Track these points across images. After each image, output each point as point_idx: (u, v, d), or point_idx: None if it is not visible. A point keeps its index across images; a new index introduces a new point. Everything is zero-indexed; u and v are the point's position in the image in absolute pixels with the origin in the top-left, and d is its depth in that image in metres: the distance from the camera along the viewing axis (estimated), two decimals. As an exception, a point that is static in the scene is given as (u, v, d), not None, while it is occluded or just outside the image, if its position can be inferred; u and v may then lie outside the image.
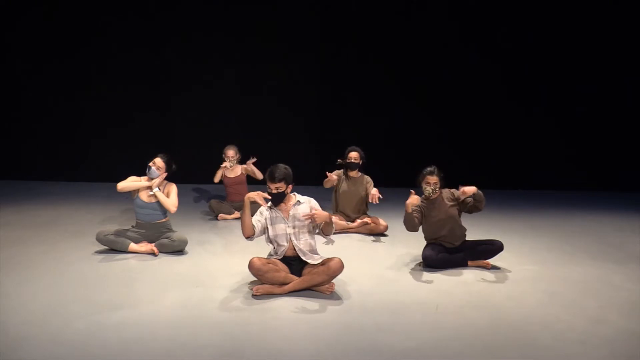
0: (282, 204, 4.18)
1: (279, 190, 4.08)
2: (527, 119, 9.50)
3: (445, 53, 9.31)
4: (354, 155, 6.12)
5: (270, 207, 4.18)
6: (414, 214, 4.77)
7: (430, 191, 4.77)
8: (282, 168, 4.11)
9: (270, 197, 4.12)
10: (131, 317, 3.57)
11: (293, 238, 4.14)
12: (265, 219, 4.18)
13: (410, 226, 4.82)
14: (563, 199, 8.62)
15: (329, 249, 4.35)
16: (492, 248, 4.85)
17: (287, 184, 4.11)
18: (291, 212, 4.14)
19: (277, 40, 9.10)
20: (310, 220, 4.11)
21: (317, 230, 4.23)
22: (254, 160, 6.70)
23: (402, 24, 9.25)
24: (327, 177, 6.14)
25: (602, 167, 9.52)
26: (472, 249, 4.86)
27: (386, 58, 9.29)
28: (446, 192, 4.88)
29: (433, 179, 4.77)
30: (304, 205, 4.17)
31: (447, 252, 4.82)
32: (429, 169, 4.83)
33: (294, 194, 4.23)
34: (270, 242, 4.23)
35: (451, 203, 4.83)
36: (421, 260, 4.89)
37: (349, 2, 9.14)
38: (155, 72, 9.02)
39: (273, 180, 4.07)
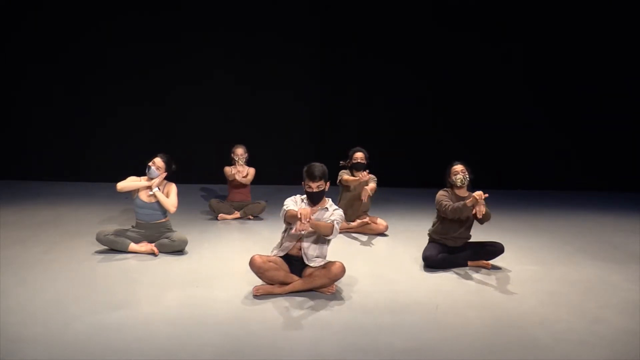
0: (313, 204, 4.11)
1: (320, 189, 4.04)
2: (527, 119, 9.51)
3: (446, 52, 9.32)
4: (359, 156, 6.10)
5: (303, 200, 4.12)
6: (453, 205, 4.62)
7: (462, 178, 4.72)
8: (319, 166, 4.05)
9: (310, 196, 4.05)
10: (131, 317, 3.56)
11: (304, 240, 4.06)
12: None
13: (456, 216, 4.64)
14: (563, 199, 8.63)
15: (329, 249, 4.34)
16: (493, 250, 4.86)
17: (326, 181, 4.08)
18: (315, 215, 4.04)
19: (279, 38, 9.10)
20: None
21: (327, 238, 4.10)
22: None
23: (402, 24, 9.25)
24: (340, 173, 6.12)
25: (602, 167, 9.54)
26: (472, 250, 4.86)
27: (387, 58, 9.30)
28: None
29: (460, 167, 4.75)
30: (329, 212, 4.10)
31: (447, 252, 4.82)
32: (452, 162, 4.82)
33: (328, 199, 4.19)
34: (284, 232, 4.16)
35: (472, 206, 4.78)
36: (421, 261, 4.89)
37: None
38: (156, 72, 9.02)
39: (314, 179, 4.00)
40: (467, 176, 4.76)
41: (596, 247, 5.72)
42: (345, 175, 6.09)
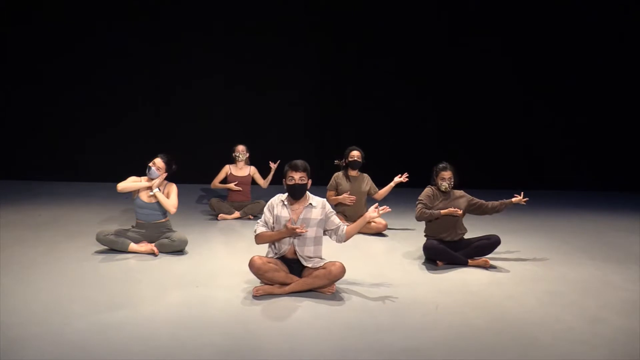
0: (295, 204, 4.07)
1: (303, 182, 4.00)
2: (527, 119, 9.52)
3: (445, 52, 9.32)
4: (356, 154, 6.17)
5: (284, 203, 4.05)
6: (426, 211, 4.88)
7: (447, 185, 4.88)
8: (302, 161, 4.05)
9: (292, 189, 4.01)
10: (131, 317, 3.56)
11: (296, 242, 4.02)
12: (275, 217, 4.03)
13: (422, 220, 4.95)
14: (563, 199, 8.63)
15: (328, 249, 4.34)
16: (489, 242, 4.91)
17: (309, 176, 4.04)
18: (302, 216, 4.02)
19: (278, 39, 9.11)
20: (318, 227, 4.05)
21: (333, 237, 4.13)
22: (275, 166, 6.75)
23: (401, 25, 9.26)
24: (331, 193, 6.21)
25: (602, 167, 9.54)
26: (469, 245, 4.89)
27: (387, 58, 9.30)
28: (458, 192, 5.01)
29: (447, 174, 4.90)
30: (317, 209, 4.05)
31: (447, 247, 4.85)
32: (441, 165, 4.96)
33: (306, 192, 4.11)
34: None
35: (462, 200, 4.94)
36: (421, 261, 4.91)
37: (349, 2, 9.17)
38: (156, 72, 9.02)
39: (297, 169, 3.97)
40: (452, 183, 4.92)
41: (596, 247, 5.72)
42: (332, 196, 6.17)
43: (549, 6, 9.23)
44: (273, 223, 4.05)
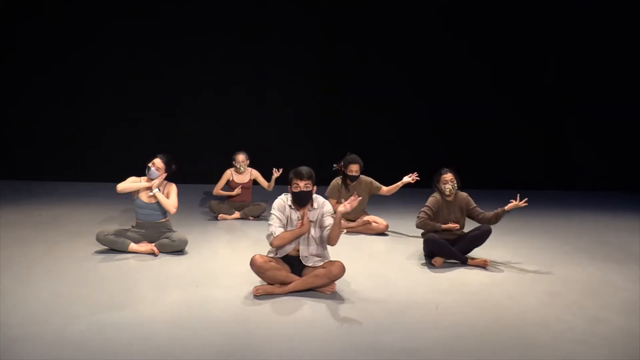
0: (300, 208, 4.07)
1: (308, 189, 4.00)
2: (526, 120, 9.52)
3: (446, 52, 9.33)
4: (354, 168, 6.03)
5: (292, 207, 4.05)
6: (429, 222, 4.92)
7: (450, 188, 4.88)
8: (307, 168, 4.03)
9: (297, 197, 3.99)
10: (131, 317, 3.56)
11: (301, 242, 4.05)
12: (287, 218, 4.04)
13: (422, 229, 4.98)
14: (563, 199, 8.63)
15: (329, 248, 4.34)
16: (480, 232, 4.87)
17: (314, 183, 4.04)
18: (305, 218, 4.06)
19: (279, 40, 9.11)
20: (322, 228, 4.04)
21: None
22: (278, 174, 6.57)
23: (401, 25, 9.26)
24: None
25: (602, 167, 9.54)
26: (463, 240, 4.90)
27: (387, 58, 9.30)
28: (461, 195, 5.00)
29: (449, 176, 4.91)
30: (316, 210, 4.06)
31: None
32: (441, 170, 4.97)
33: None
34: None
35: (463, 207, 4.98)
36: (421, 261, 4.91)
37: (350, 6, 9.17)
38: (157, 73, 9.03)
39: (302, 177, 3.97)
40: (456, 185, 4.91)
41: (596, 247, 5.72)
42: (334, 202, 5.96)
43: (549, 6, 9.24)
44: (286, 224, 4.05)
